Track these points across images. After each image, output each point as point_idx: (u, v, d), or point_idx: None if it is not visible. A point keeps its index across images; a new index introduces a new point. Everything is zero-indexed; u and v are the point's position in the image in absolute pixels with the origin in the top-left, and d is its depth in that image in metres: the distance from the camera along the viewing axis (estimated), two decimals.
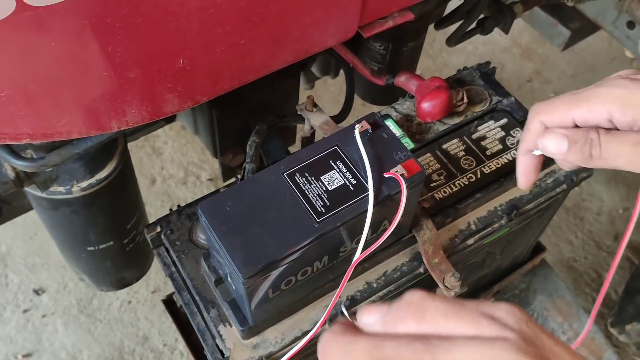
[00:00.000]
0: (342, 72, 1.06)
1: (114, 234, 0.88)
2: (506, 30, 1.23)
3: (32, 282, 1.75)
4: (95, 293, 1.73)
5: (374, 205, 0.57)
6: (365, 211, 0.56)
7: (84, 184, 0.75)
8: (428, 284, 0.75)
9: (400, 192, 0.58)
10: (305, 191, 0.59)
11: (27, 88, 0.48)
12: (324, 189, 0.59)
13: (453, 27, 1.11)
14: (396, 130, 0.77)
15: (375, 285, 0.69)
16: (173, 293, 0.90)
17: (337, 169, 0.60)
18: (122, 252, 0.92)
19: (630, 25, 1.43)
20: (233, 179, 0.81)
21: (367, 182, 0.58)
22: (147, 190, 1.91)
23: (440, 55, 2.30)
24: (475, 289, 0.93)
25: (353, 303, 0.68)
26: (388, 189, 0.58)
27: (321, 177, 0.59)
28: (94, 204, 0.79)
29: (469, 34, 1.14)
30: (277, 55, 0.63)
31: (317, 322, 0.67)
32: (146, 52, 0.52)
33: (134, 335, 1.67)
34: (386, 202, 0.59)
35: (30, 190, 0.76)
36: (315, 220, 0.57)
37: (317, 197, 0.58)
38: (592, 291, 1.82)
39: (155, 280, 1.75)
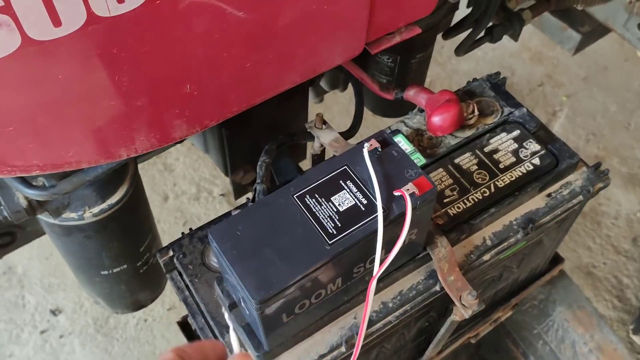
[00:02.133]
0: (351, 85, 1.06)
1: (127, 258, 0.88)
2: (515, 37, 1.22)
3: (48, 302, 1.76)
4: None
5: (385, 225, 0.56)
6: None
7: (96, 209, 0.75)
8: (444, 302, 0.74)
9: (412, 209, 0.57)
10: (316, 213, 0.58)
11: (35, 120, 0.48)
12: (335, 209, 0.58)
13: (461, 36, 1.10)
14: (407, 146, 0.76)
15: (391, 305, 0.68)
16: (188, 315, 0.89)
17: (348, 189, 0.59)
18: (136, 274, 0.92)
19: None
20: (244, 200, 0.80)
21: (376, 201, 0.57)
22: (160, 207, 1.91)
23: (449, 62, 2.29)
24: (493, 303, 0.92)
25: (369, 324, 0.67)
26: (399, 207, 0.57)
27: (331, 198, 0.59)
28: (106, 229, 0.79)
29: (477, 43, 1.13)
30: (284, 76, 0.63)
31: (333, 345, 0.66)
32: (153, 79, 0.52)
33: (150, 354, 1.67)
34: (398, 220, 0.58)
35: (43, 218, 0.76)
36: (327, 242, 0.56)
37: (328, 219, 0.57)
38: (613, 297, 1.79)
39: (171, 298, 1.74)
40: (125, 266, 0.89)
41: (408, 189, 0.57)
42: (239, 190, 1.12)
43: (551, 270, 0.95)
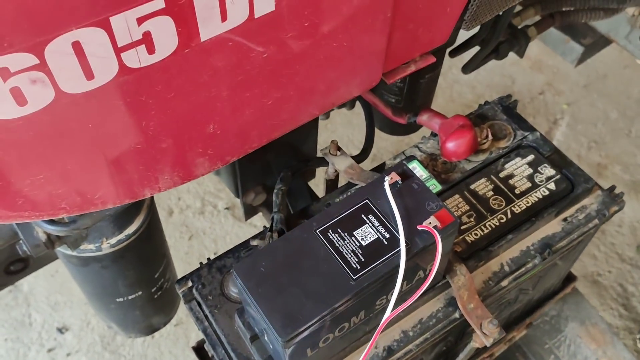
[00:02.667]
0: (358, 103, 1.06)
1: (142, 285, 0.88)
2: (521, 54, 1.23)
3: (55, 320, 1.76)
4: None
5: (408, 259, 0.57)
6: None
7: (113, 240, 0.76)
8: (462, 327, 0.75)
9: (433, 243, 0.58)
10: (339, 247, 0.58)
11: (64, 168, 0.48)
12: (358, 244, 0.58)
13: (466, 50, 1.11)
14: (422, 172, 0.77)
15: (411, 334, 0.68)
16: (203, 340, 0.89)
17: (370, 223, 0.59)
18: (150, 300, 0.92)
19: None
20: (256, 219, 0.80)
21: (399, 235, 0.57)
22: (165, 222, 1.91)
23: (450, 72, 2.30)
24: (508, 324, 0.92)
25: (390, 354, 0.67)
26: (422, 241, 0.58)
27: (354, 233, 0.59)
28: (123, 259, 0.80)
29: (484, 60, 1.14)
30: (303, 111, 0.63)
31: None
32: (178, 122, 0.52)
33: None
34: (420, 253, 0.58)
35: (61, 250, 0.76)
36: (352, 278, 0.57)
37: (352, 253, 0.58)
38: (619, 306, 1.79)
39: (178, 314, 1.74)
40: (140, 293, 0.89)
41: (430, 223, 0.57)
42: (249, 211, 1.13)
43: (564, 289, 0.95)
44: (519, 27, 1.19)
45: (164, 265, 0.91)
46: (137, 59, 0.44)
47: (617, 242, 1.91)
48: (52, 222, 0.65)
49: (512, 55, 2.64)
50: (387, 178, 0.60)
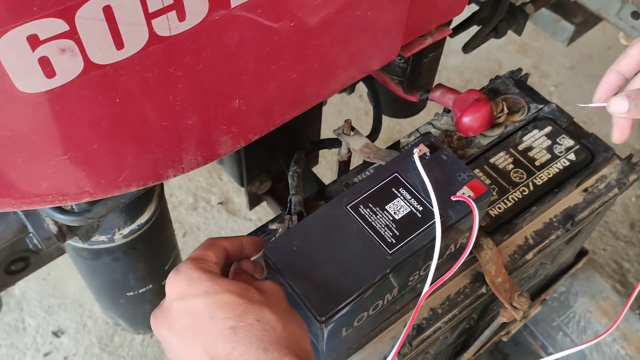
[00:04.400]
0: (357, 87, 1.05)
1: (153, 277, 0.85)
2: (519, 32, 1.22)
3: (49, 324, 1.71)
4: (116, 330, 1.69)
5: (444, 231, 0.56)
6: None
7: (126, 230, 0.73)
8: (487, 305, 0.74)
9: (469, 213, 0.56)
10: (372, 222, 0.57)
11: (90, 147, 0.46)
12: (391, 218, 0.57)
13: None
14: None
15: (440, 311, 0.67)
16: None
17: (401, 197, 0.58)
18: (160, 293, 0.89)
19: (635, 15, 1.43)
20: (279, 212, 0.78)
21: (433, 208, 0.56)
22: None
23: None
24: None
25: (419, 332, 0.66)
26: (456, 213, 0.57)
27: (386, 207, 0.57)
28: (135, 250, 0.77)
29: (484, 39, 1.13)
30: (325, 85, 0.61)
31: (386, 356, 0.65)
32: (205, 97, 0.50)
33: None
34: (456, 225, 0.57)
35: (71, 242, 0.73)
36: (387, 252, 0.55)
37: (386, 228, 0.56)
38: (615, 282, 1.81)
39: None
40: (150, 286, 0.86)
41: (464, 193, 0.56)
42: (254, 200, 1.11)
43: (577, 263, 0.95)
44: (517, 4, 1.19)
45: (173, 257, 0.89)
46: (167, 26, 0.42)
47: (610, 220, 1.93)
48: (64, 211, 0.62)
49: (495, 40, 2.65)
50: (415, 150, 0.59)
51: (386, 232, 0.56)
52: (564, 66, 2.31)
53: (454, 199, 0.56)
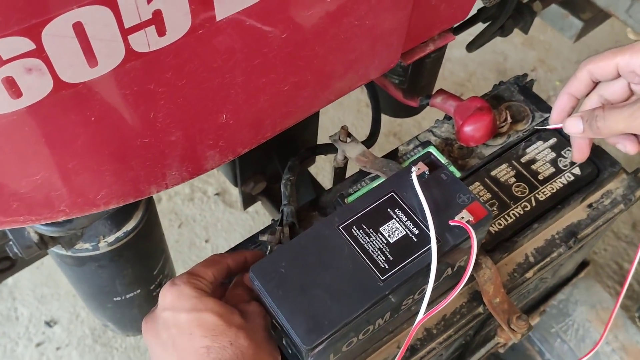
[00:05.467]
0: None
1: (141, 283, 0.83)
2: (525, 30, 1.18)
3: (42, 314, 1.69)
4: None
5: (440, 257, 0.53)
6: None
7: (111, 238, 0.70)
8: (484, 321, 0.71)
9: (466, 239, 0.54)
10: (365, 245, 0.54)
11: (64, 166, 0.43)
12: (385, 241, 0.54)
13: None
14: (441, 159, 0.72)
15: (435, 331, 0.65)
16: None
17: (397, 218, 0.55)
18: (149, 298, 0.87)
19: None
20: (270, 222, 0.75)
21: (430, 232, 0.53)
22: None
23: None
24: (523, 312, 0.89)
25: (413, 353, 0.64)
26: (454, 237, 0.54)
27: (380, 229, 0.54)
28: (121, 257, 0.74)
29: (490, 37, 1.09)
30: (319, 96, 0.58)
31: None
32: (189, 112, 0.47)
33: None
34: (452, 251, 0.54)
35: (54, 249, 0.70)
36: (379, 279, 0.52)
37: (379, 252, 0.53)
38: (615, 284, 1.79)
39: None
40: (138, 291, 0.84)
41: (463, 217, 0.53)
42: (248, 200, 1.08)
43: (578, 274, 0.93)
44: (524, 1, 1.15)
45: (162, 261, 0.86)
46: (145, 41, 0.39)
47: None
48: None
49: None
50: (414, 169, 0.56)
51: (379, 257, 0.53)
52: (570, 60, 2.26)
53: (451, 223, 0.53)
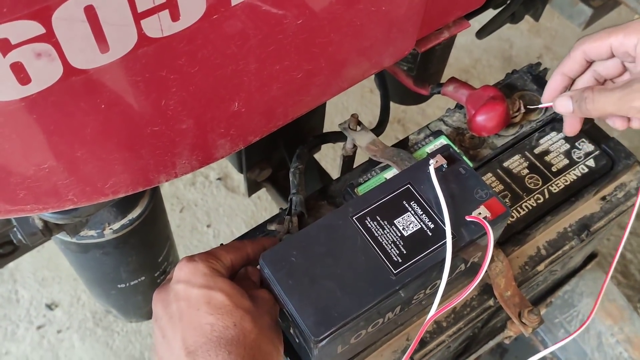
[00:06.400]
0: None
1: (145, 270, 0.82)
2: (537, 17, 1.16)
3: (43, 296, 1.69)
4: None
5: (455, 253, 0.52)
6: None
7: (116, 225, 0.69)
8: (493, 313, 0.70)
9: (482, 236, 0.52)
10: (378, 237, 0.53)
11: (73, 155, 0.42)
12: (399, 234, 0.53)
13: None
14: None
15: (444, 324, 0.64)
16: None
17: (412, 211, 0.54)
18: (153, 285, 0.86)
19: None
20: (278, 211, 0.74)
21: (445, 227, 0.52)
22: None
23: None
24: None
25: (422, 346, 0.63)
26: (469, 233, 0.53)
27: (395, 221, 0.53)
28: (126, 244, 0.73)
29: (500, 25, 1.07)
30: (333, 85, 0.56)
31: None
32: (201, 100, 0.45)
33: (154, 346, 1.63)
34: (467, 247, 0.53)
35: (58, 236, 0.69)
36: (392, 272, 0.51)
37: (392, 245, 0.52)
38: (617, 273, 1.78)
39: None
40: (143, 278, 0.83)
41: (480, 213, 0.52)
42: (253, 187, 1.07)
43: (586, 266, 0.92)
44: None
45: (167, 248, 0.85)
46: (159, 26, 0.37)
47: None
48: None
49: None
50: (432, 161, 0.54)
51: (392, 250, 0.52)
52: None
53: (468, 219, 0.52)
